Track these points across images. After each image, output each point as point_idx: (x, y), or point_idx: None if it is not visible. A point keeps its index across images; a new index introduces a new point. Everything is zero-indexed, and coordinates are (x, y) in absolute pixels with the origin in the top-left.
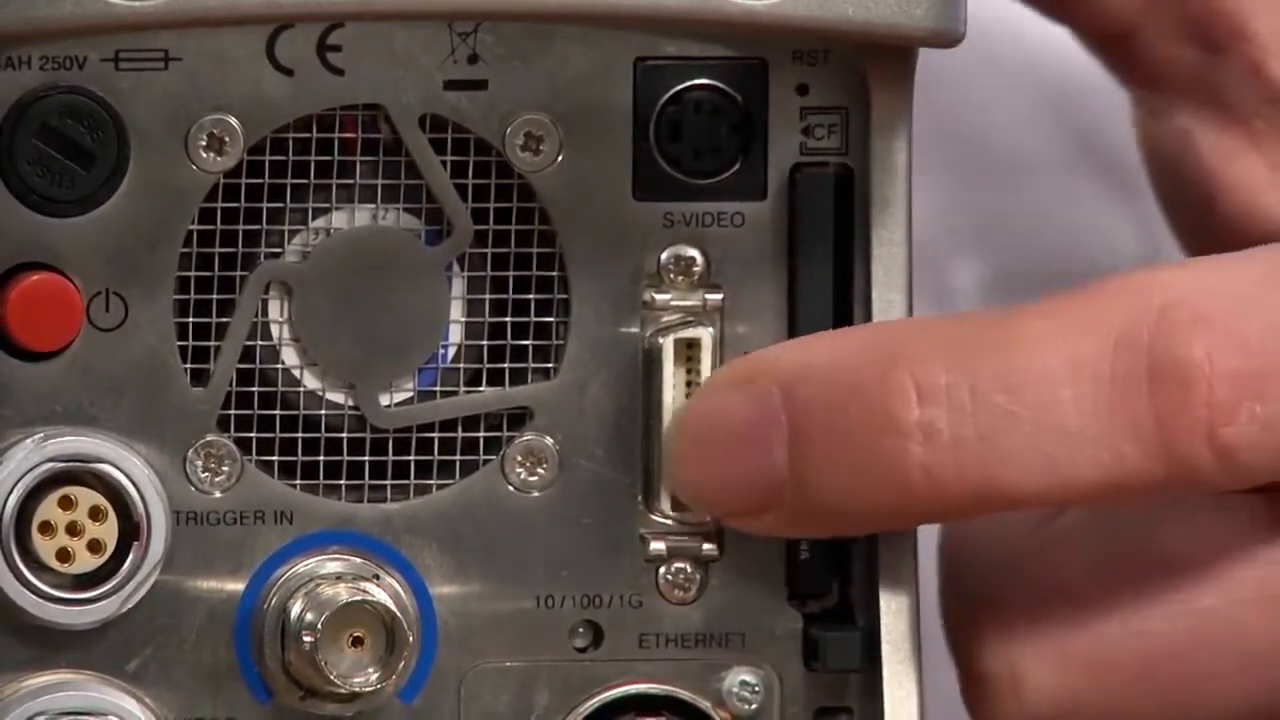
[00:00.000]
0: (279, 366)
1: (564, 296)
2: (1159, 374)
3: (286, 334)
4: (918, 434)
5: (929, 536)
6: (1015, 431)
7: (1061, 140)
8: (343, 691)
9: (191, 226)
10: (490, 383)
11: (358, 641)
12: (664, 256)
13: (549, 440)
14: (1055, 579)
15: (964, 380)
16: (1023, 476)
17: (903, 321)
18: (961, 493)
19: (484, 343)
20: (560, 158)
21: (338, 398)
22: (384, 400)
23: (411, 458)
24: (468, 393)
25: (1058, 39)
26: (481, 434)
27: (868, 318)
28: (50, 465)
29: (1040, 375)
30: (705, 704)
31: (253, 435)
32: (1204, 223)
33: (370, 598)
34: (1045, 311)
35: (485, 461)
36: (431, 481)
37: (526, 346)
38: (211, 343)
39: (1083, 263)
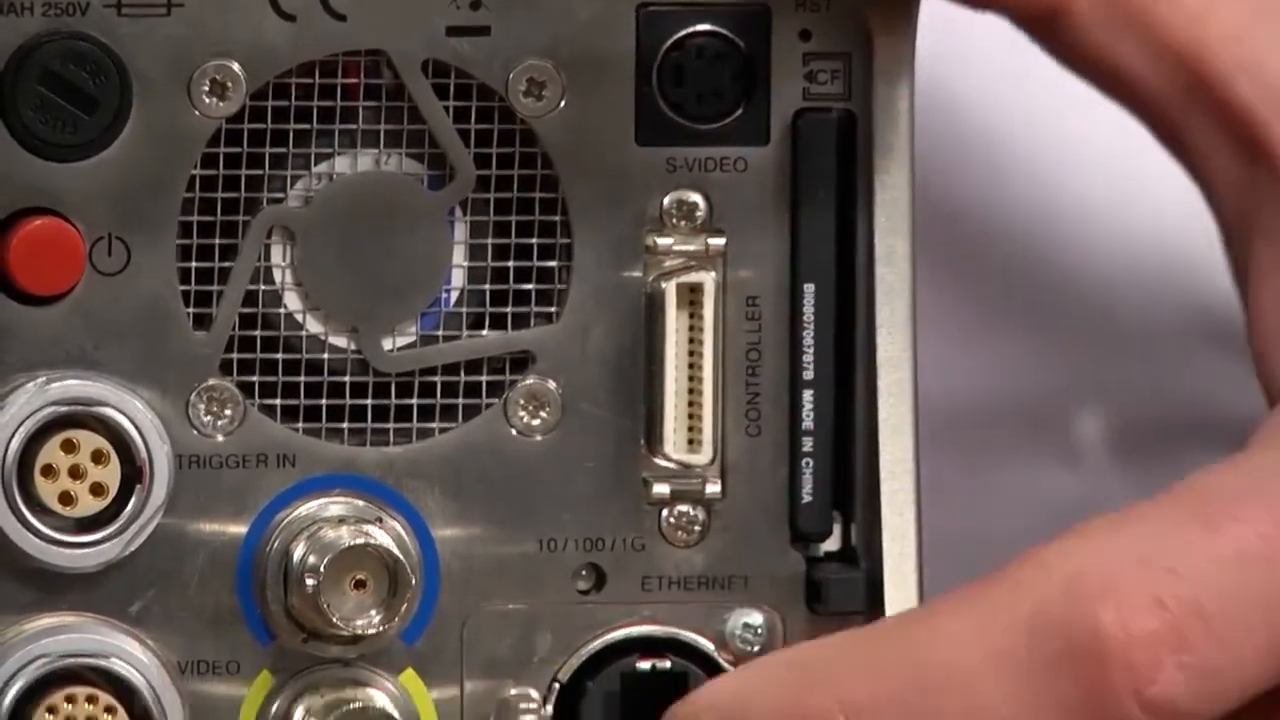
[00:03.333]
0: (281, 311)
1: (566, 241)
2: (1075, 651)
3: (289, 278)
4: None
5: (931, 494)
6: None
7: (1183, 309)
8: (345, 634)
9: (194, 171)
10: (493, 327)
11: (360, 584)
12: (666, 201)
13: (551, 384)
14: None
15: (885, 692)
16: None
17: (824, 642)
18: None
19: (486, 287)
20: (563, 103)
21: (340, 341)
22: (386, 344)
23: (414, 401)
24: (470, 337)
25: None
26: (484, 378)
27: (870, 263)
28: (53, 409)
29: (962, 674)
30: (708, 646)
31: (255, 379)
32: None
33: (373, 540)
34: (956, 607)
35: (488, 405)
36: (434, 425)
37: (529, 291)
38: (214, 287)
39: (1203, 420)
